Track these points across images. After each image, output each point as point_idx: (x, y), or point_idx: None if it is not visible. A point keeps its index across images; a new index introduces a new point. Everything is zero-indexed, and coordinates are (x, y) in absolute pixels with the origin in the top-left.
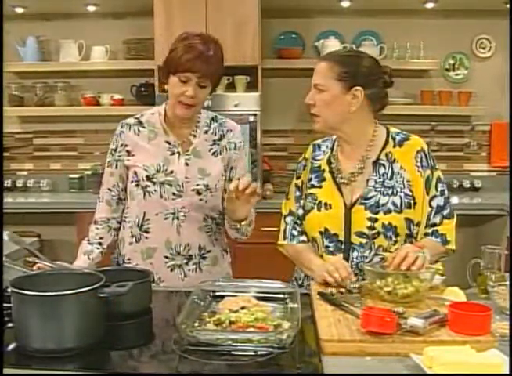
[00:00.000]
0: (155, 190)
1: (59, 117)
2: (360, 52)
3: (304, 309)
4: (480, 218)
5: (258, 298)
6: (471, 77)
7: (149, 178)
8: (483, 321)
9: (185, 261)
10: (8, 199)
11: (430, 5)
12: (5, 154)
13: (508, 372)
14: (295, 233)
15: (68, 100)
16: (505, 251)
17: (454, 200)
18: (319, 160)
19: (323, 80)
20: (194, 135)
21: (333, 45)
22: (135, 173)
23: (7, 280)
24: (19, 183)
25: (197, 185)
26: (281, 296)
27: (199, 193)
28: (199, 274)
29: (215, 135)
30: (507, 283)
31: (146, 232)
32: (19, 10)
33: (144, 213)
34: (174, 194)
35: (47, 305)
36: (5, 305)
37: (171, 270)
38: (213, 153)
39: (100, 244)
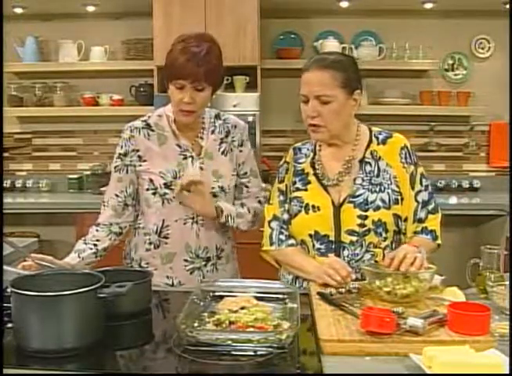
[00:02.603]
0: (174, 197)
1: (58, 118)
2: (344, 54)
3: (304, 309)
4: (479, 219)
5: (258, 298)
6: (470, 78)
7: (167, 185)
8: (482, 321)
9: (203, 263)
10: (7, 199)
11: (429, 6)
12: (4, 154)
13: (508, 372)
14: (283, 237)
15: (67, 100)
16: (504, 251)
17: (453, 200)
18: (301, 163)
19: (328, 90)
20: (202, 138)
21: (332, 45)
22: (151, 181)
23: (7, 281)
24: (19, 184)
25: (213, 188)
26: (280, 296)
27: (215, 196)
28: (215, 274)
29: (221, 133)
30: (506, 283)
31: (166, 238)
32: (19, 10)
33: (163, 220)
34: None
35: (47, 305)
36: (5, 305)
37: (191, 273)
38: (222, 152)
39: (95, 245)
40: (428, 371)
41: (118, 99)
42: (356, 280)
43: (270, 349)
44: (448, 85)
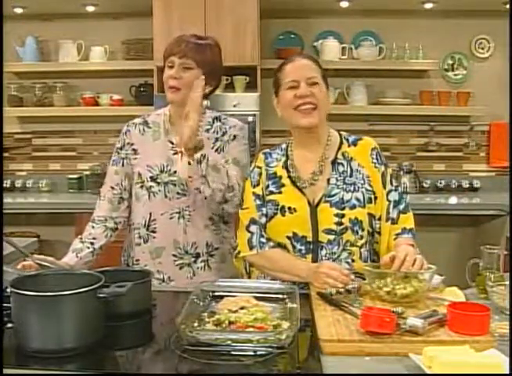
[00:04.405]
0: (159, 190)
1: (58, 118)
2: None
3: (304, 309)
4: (479, 219)
5: (258, 298)
6: (470, 78)
7: (153, 178)
8: (482, 321)
9: (193, 259)
10: (7, 199)
11: (429, 6)
12: (5, 155)
13: (508, 372)
14: (263, 240)
15: (67, 100)
16: (504, 251)
17: (453, 200)
18: (273, 166)
19: (317, 74)
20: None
21: (332, 45)
22: (139, 174)
23: (7, 281)
24: (18, 184)
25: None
26: (280, 296)
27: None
28: (208, 272)
29: (217, 133)
30: (506, 283)
31: (153, 232)
32: (19, 10)
33: (150, 213)
34: (178, 193)
35: (47, 305)
36: (5, 305)
37: (180, 268)
38: (216, 150)
39: (92, 243)
40: (428, 371)
41: (118, 99)
42: (355, 278)
43: (270, 349)
44: (448, 85)
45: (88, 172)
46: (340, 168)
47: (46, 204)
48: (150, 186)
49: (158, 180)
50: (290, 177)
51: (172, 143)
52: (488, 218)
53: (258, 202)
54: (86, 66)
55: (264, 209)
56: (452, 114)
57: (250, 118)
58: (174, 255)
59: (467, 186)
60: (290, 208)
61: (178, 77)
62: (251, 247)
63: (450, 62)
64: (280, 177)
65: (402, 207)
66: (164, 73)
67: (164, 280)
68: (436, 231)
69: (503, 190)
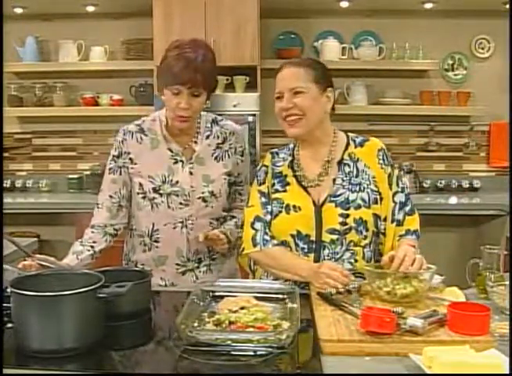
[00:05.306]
0: (162, 201)
1: (58, 118)
2: (315, 59)
3: (304, 310)
4: (479, 219)
5: (258, 298)
6: (470, 78)
7: (155, 190)
8: (482, 321)
9: (196, 265)
10: (7, 199)
11: (429, 6)
12: (5, 155)
13: (508, 372)
14: (267, 237)
15: (67, 100)
16: (504, 251)
17: (453, 200)
18: (279, 166)
19: (302, 82)
20: (196, 142)
21: (332, 45)
22: (141, 185)
23: (7, 281)
24: (19, 184)
25: (203, 192)
26: (280, 296)
27: (205, 201)
28: (209, 274)
29: (218, 138)
30: (506, 283)
31: (156, 241)
32: (19, 10)
33: (153, 224)
34: (181, 204)
35: (47, 305)
36: (5, 305)
37: (183, 274)
38: (215, 158)
39: (92, 246)
40: (428, 371)
41: (118, 99)
42: (356, 278)
43: (270, 349)
44: (448, 85)
45: (88, 172)
46: (347, 169)
47: (46, 204)
48: (153, 198)
49: (161, 191)
50: (295, 176)
51: (172, 151)
52: (488, 218)
53: (263, 200)
54: (86, 66)
55: (269, 207)
56: (452, 114)
57: (250, 118)
58: (177, 264)
59: (467, 186)
60: (294, 206)
61: (188, 107)
62: (255, 245)
63: (450, 62)
64: (286, 176)
65: (408, 208)
66: (165, 95)
67: (166, 286)
68: (436, 231)
69: (503, 190)
